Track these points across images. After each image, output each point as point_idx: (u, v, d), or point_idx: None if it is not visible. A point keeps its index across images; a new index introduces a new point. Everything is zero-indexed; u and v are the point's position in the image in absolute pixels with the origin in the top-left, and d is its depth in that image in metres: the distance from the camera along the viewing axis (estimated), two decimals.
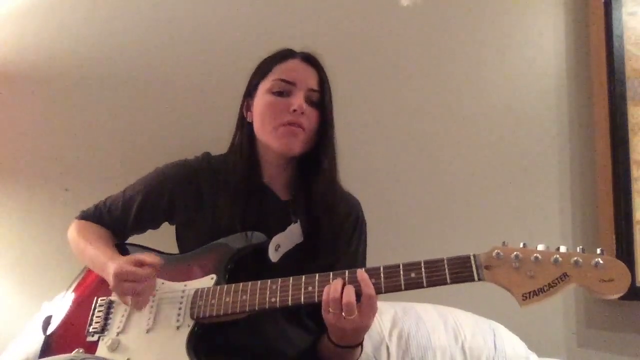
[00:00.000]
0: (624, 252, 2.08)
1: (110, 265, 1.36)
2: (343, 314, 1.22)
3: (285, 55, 1.55)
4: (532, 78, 2.30)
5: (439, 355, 1.80)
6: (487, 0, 2.33)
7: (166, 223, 1.61)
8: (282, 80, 1.49)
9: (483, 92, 2.28)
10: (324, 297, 1.25)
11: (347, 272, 1.28)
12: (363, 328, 1.28)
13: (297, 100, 1.46)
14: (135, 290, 1.32)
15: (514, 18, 2.33)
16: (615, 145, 2.16)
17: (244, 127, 1.56)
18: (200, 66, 2.19)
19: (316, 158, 1.52)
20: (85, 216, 1.61)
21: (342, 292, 1.23)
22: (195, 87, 2.17)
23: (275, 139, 1.47)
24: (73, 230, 1.58)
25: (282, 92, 1.48)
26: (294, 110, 1.45)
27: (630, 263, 2.05)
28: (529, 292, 1.13)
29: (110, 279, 1.34)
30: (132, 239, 1.62)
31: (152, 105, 2.16)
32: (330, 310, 1.24)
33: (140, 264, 1.35)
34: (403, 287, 1.23)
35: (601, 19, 2.23)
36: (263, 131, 1.50)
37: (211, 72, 2.18)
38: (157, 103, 2.16)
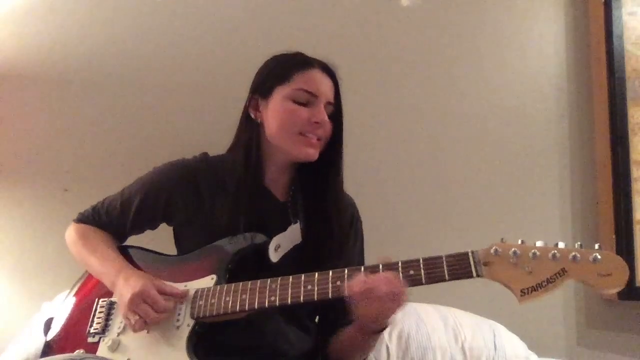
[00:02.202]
0: (624, 251, 2.08)
1: (126, 279, 1.37)
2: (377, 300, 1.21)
3: (305, 63, 1.52)
4: (532, 78, 2.31)
5: (439, 356, 1.80)
6: (488, 0, 2.34)
7: (164, 224, 1.60)
8: (305, 91, 1.47)
9: (483, 92, 2.28)
10: (352, 290, 1.22)
11: (346, 269, 1.28)
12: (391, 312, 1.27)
13: (320, 112, 1.46)
14: (149, 316, 1.31)
15: (514, 18, 2.33)
16: (615, 145, 2.17)
17: (251, 126, 1.54)
18: (200, 67, 2.19)
19: (324, 164, 1.52)
20: (83, 219, 1.60)
21: (367, 282, 1.21)
22: (195, 88, 2.18)
23: (293, 146, 1.46)
24: (72, 234, 1.57)
25: (304, 102, 1.47)
26: (316, 122, 1.45)
27: (630, 263, 2.06)
28: (528, 288, 1.13)
29: (127, 293, 1.33)
30: (131, 239, 1.62)
31: (152, 105, 2.16)
32: (361, 301, 1.22)
33: (161, 291, 1.35)
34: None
35: (601, 19, 2.23)
36: (280, 137, 1.48)
37: (211, 73, 2.18)
38: (157, 103, 2.17)
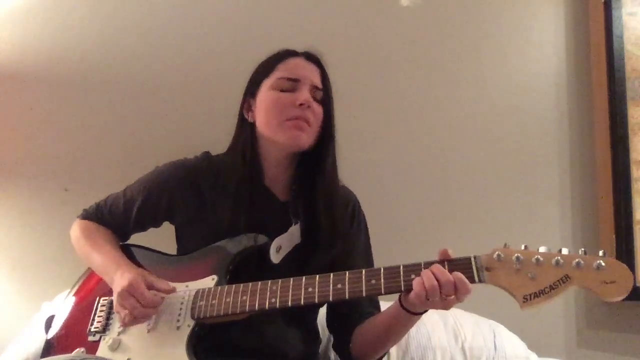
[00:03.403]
0: (624, 252, 2.08)
1: (121, 275, 1.36)
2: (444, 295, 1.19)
3: (287, 54, 1.55)
4: (532, 78, 2.30)
5: (439, 355, 1.80)
6: (487, 0, 2.33)
7: (167, 222, 1.60)
8: (287, 78, 1.48)
9: (483, 92, 2.28)
10: (423, 286, 1.20)
11: (347, 272, 1.27)
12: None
13: (303, 94, 1.46)
14: (135, 309, 1.31)
15: (514, 18, 2.33)
16: (615, 145, 2.17)
17: (245, 127, 1.55)
18: (200, 67, 2.19)
19: (318, 157, 1.51)
20: (87, 216, 1.60)
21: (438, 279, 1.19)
22: (195, 88, 2.18)
23: (282, 133, 1.45)
24: (76, 230, 1.57)
25: (287, 89, 1.48)
26: (301, 104, 1.44)
27: (630, 263, 2.05)
28: (530, 294, 1.12)
29: (118, 288, 1.33)
30: (134, 237, 1.62)
31: (152, 105, 2.16)
32: (429, 298, 1.20)
33: (152, 287, 1.35)
34: (403, 288, 1.23)
35: (601, 19, 2.23)
36: (269, 127, 1.48)
37: (211, 73, 2.18)
38: (157, 103, 2.16)
